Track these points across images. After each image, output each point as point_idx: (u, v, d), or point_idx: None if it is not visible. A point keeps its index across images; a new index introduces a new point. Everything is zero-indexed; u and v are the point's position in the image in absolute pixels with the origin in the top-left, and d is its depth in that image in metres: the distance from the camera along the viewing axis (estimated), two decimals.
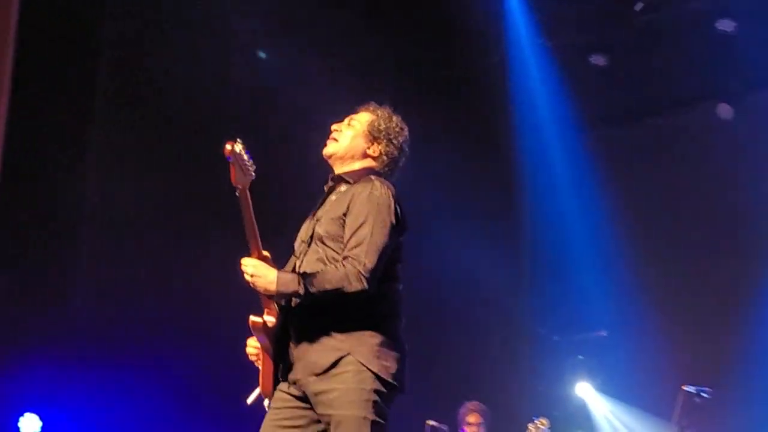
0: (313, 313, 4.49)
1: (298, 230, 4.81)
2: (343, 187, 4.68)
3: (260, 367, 4.66)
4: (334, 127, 4.83)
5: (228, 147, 4.36)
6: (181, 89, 9.40)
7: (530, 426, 8.49)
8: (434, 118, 10.25)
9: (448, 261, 10.23)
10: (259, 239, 4.51)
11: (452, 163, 10.29)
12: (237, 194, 4.45)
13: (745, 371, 9.44)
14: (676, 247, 10.45)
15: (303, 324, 4.53)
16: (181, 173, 9.33)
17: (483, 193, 10.42)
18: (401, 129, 4.81)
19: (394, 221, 4.49)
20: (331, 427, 4.41)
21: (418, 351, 10.15)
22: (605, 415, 10.58)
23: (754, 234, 10.02)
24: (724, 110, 10.11)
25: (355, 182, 4.64)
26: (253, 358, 4.69)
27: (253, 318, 4.50)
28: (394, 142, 4.77)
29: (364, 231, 4.44)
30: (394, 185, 4.64)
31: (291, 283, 4.43)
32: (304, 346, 4.49)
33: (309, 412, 4.50)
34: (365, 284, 4.36)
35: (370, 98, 4.93)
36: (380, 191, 4.53)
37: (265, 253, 4.55)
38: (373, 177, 4.64)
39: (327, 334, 4.45)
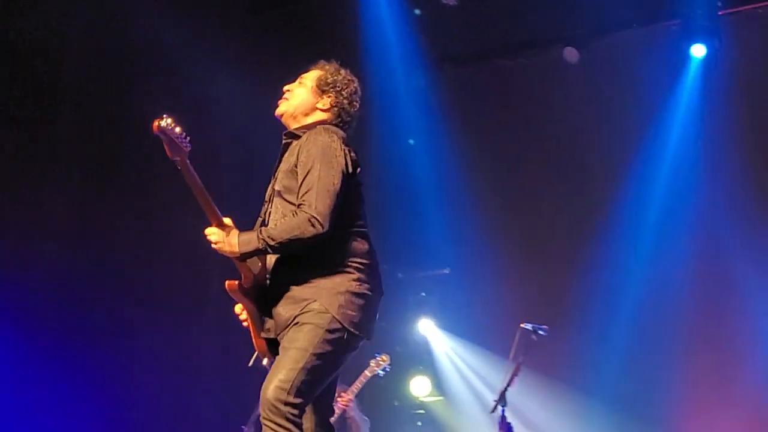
0: (278, 269, 4.69)
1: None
2: (295, 143, 4.80)
3: (250, 329, 4.79)
4: (285, 87, 5.01)
5: (155, 124, 4.44)
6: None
7: (372, 362, 8.58)
8: (282, 54, 10.13)
9: None
10: (214, 207, 4.62)
11: None
12: (178, 168, 4.55)
13: (582, 310, 9.69)
14: (519, 189, 10.60)
15: (272, 280, 4.71)
16: None
17: None
18: (350, 80, 4.99)
19: (343, 164, 4.62)
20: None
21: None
22: (446, 352, 10.74)
23: (595, 177, 10.25)
24: (570, 54, 10.25)
25: (303, 135, 4.78)
26: (241, 319, 4.82)
27: (227, 282, 4.64)
28: (344, 93, 4.93)
29: (313, 176, 4.57)
30: (343, 132, 4.84)
31: (252, 241, 4.56)
32: (276, 302, 4.66)
33: None
34: (319, 227, 4.48)
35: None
36: (324, 137, 4.68)
37: (227, 219, 4.67)
38: (319, 126, 4.78)
39: (291, 287, 4.63)
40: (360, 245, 4.72)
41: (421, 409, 10.84)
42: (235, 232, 4.65)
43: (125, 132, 9.12)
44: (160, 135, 4.47)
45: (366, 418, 8.76)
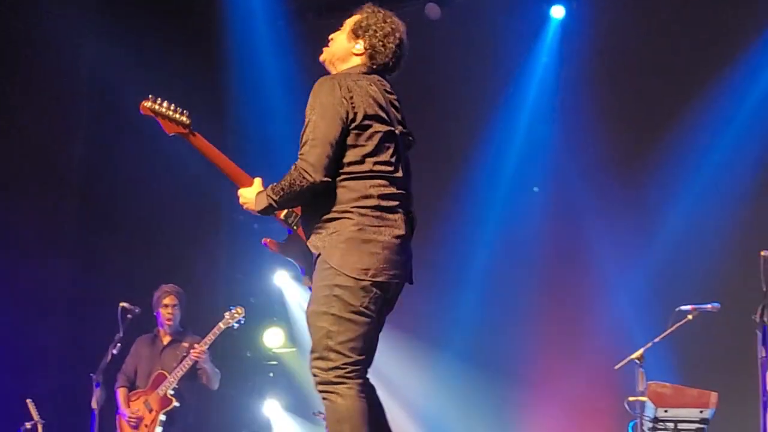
0: (306, 218, 4.71)
1: None
2: None
3: None
4: (330, 36, 4.99)
5: (142, 106, 4.62)
6: None
7: (226, 314, 8.55)
8: (144, 10, 10.05)
9: (151, 146, 10.02)
10: (237, 169, 4.77)
11: (159, 50, 10.05)
12: (186, 140, 4.67)
13: (435, 265, 9.78)
14: None
15: (307, 230, 4.69)
16: None
17: (189, 81, 10.20)
18: (385, 22, 4.87)
19: (341, 113, 4.53)
20: None
21: (119, 234, 10.06)
22: (300, 303, 10.74)
23: (456, 132, 10.33)
24: (432, 10, 10.28)
25: None
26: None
27: (263, 240, 4.83)
28: (377, 35, 4.82)
29: (309, 129, 4.57)
30: (378, 73, 4.80)
31: (263, 198, 4.63)
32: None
33: None
34: (310, 178, 4.46)
35: None
36: (323, 86, 4.62)
37: (257, 179, 4.74)
38: (323, 77, 4.71)
39: (309, 236, 4.62)
40: (368, 189, 4.60)
41: (273, 360, 10.85)
42: (255, 191, 4.71)
43: None
44: (150, 115, 4.58)
45: (217, 371, 8.73)
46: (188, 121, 4.57)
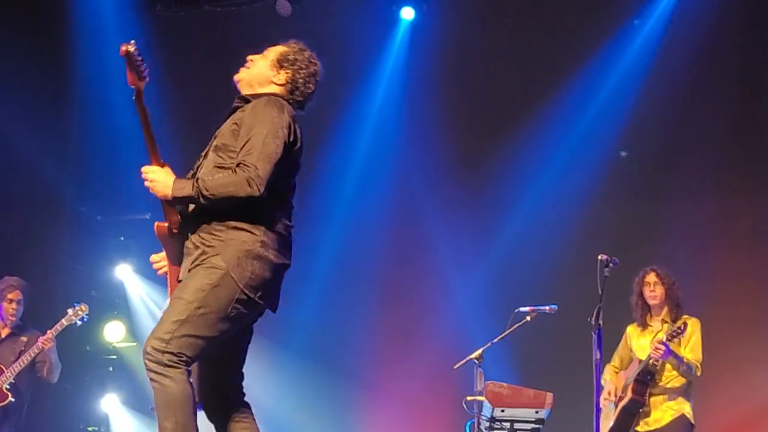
0: (195, 218, 4.67)
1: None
2: (243, 107, 4.83)
3: (167, 276, 4.78)
4: (249, 57, 5.04)
5: (122, 48, 4.53)
6: None
7: (69, 311, 8.42)
8: None
9: None
10: (156, 146, 4.65)
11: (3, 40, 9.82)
12: (133, 98, 4.60)
13: None
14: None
15: (187, 228, 4.70)
16: None
17: (33, 71, 9.98)
18: (311, 63, 4.98)
19: (286, 136, 4.62)
20: None
21: None
22: (141, 297, 10.62)
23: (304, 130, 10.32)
24: (283, 6, 10.27)
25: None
26: (157, 267, 4.90)
27: (158, 223, 4.70)
28: (301, 72, 4.92)
29: (257, 140, 4.56)
30: (294, 108, 4.84)
31: (186, 187, 4.57)
32: (186, 249, 4.68)
33: None
34: (255, 189, 4.48)
35: None
36: (274, 107, 4.69)
37: (165, 164, 4.68)
38: (272, 97, 4.80)
39: (201, 236, 4.62)
40: (278, 214, 4.71)
41: (113, 354, 10.70)
42: (172, 176, 4.63)
43: None
44: (125, 59, 4.53)
45: (60, 363, 8.58)
46: (146, 79, 4.62)
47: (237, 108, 4.90)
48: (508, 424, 7.10)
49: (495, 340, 7.44)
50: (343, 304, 9.99)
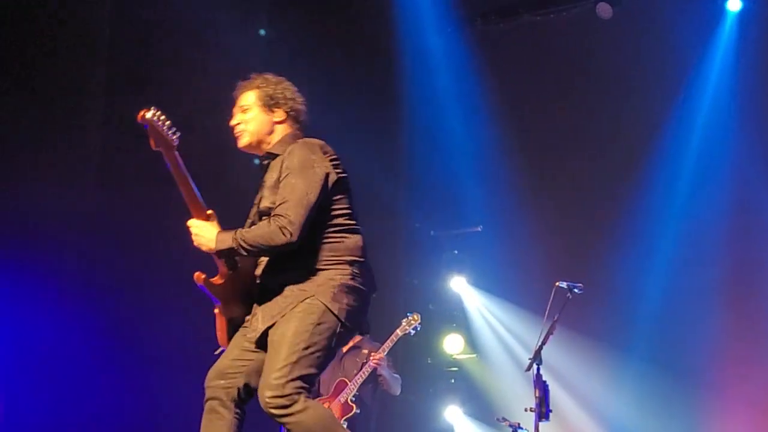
0: (271, 266, 4.93)
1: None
2: (276, 160, 4.97)
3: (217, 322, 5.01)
4: (232, 123, 5.11)
5: (140, 114, 4.59)
6: None
7: (403, 321, 8.61)
8: (316, 24, 10.20)
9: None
10: (199, 199, 4.78)
11: (335, 62, 10.23)
12: (164, 158, 4.70)
13: (616, 267, 9.67)
14: (552, 146, 10.55)
15: (264, 276, 4.95)
16: None
17: (364, 86, 10.36)
18: (282, 82, 5.14)
19: (321, 175, 4.82)
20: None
21: None
22: (479, 309, 10.74)
23: (629, 133, 10.19)
24: (604, 9, 10.16)
25: (281, 152, 4.94)
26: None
27: (196, 274, 4.81)
28: (289, 97, 5.09)
29: (287, 189, 4.77)
30: (319, 139, 4.99)
31: (227, 240, 4.76)
32: (266, 297, 4.88)
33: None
34: (289, 236, 4.69)
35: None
36: (303, 150, 4.86)
37: (209, 211, 4.84)
38: (300, 141, 4.96)
39: (285, 283, 4.83)
40: (351, 241, 4.92)
41: (454, 366, 10.86)
42: (215, 227, 4.84)
43: None
44: (145, 126, 4.62)
45: (397, 376, 8.79)
46: (175, 144, 4.72)
47: (267, 165, 5.04)
48: None
49: None
50: (683, 305, 9.70)
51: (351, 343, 8.82)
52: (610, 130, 10.30)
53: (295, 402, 4.61)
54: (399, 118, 10.90)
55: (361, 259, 4.92)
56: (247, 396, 4.94)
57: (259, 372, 4.78)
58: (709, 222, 9.72)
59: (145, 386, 8.88)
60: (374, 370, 8.50)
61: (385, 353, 8.51)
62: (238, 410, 4.92)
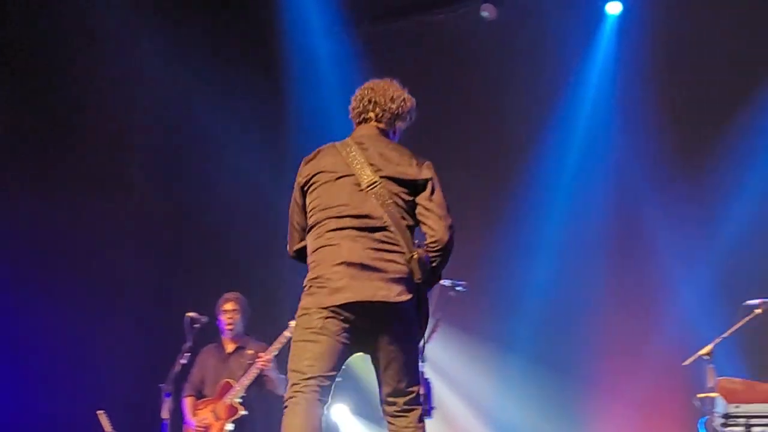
0: None
1: None
2: None
3: None
4: None
5: None
6: None
7: (291, 323, 8.58)
8: (198, 16, 10.15)
9: (215, 153, 10.16)
10: None
11: (217, 56, 10.18)
12: None
13: (500, 266, 9.81)
14: (439, 148, 10.59)
15: None
16: None
17: (248, 85, 10.31)
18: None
19: (295, 185, 5.42)
20: None
21: (183, 243, 10.14)
22: None
23: (514, 134, 10.31)
24: (488, 10, 10.27)
25: None
26: None
27: None
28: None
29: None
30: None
31: None
32: None
33: None
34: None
35: None
36: None
37: None
38: None
39: None
40: (312, 242, 5.23)
41: None
42: None
43: None
44: None
45: (283, 377, 8.74)
46: None
47: None
48: (743, 421, 6.88)
49: (725, 335, 7.21)
50: (565, 303, 9.87)
51: (236, 344, 8.80)
52: (496, 131, 10.41)
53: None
54: (284, 119, 10.86)
55: (317, 249, 5.22)
56: None
57: None
58: (590, 221, 9.90)
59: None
60: (261, 371, 8.47)
61: (273, 355, 8.48)
62: None
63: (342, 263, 5.04)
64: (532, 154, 10.15)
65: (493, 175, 10.26)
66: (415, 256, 5.06)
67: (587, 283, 9.80)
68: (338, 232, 5.10)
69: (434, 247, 5.13)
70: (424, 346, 7.20)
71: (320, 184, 5.23)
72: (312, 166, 5.30)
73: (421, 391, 7.07)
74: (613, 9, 10.05)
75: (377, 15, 10.89)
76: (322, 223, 5.15)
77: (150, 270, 10.19)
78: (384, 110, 5.46)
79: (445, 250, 5.14)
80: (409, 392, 5.17)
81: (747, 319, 7.16)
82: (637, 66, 9.91)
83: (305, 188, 5.29)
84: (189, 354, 8.26)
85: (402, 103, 5.51)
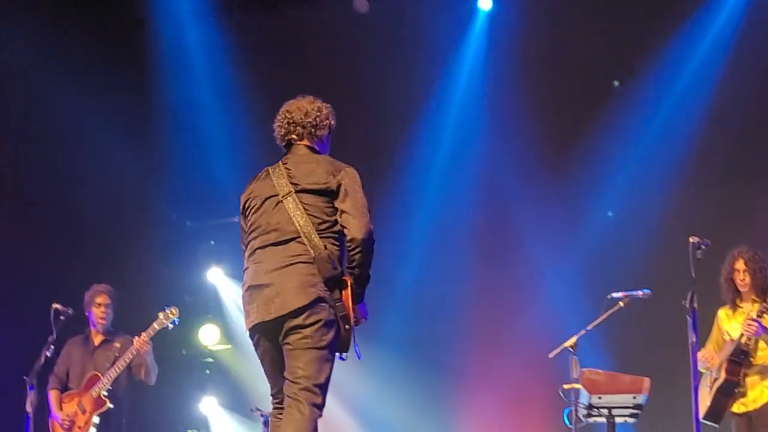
0: None
1: None
2: None
3: None
4: None
5: None
6: None
7: (160, 314, 8.50)
8: (69, 9, 9.96)
9: (82, 145, 9.96)
10: None
11: (85, 47, 10.00)
12: None
13: None
14: None
15: None
16: None
17: (116, 76, 10.14)
18: None
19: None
20: None
21: (49, 234, 9.94)
22: (235, 300, 10.69)
23: (386, 129, 10.36)
24: (360, 4, 10.29)
25: None
26: None
27: None
28: None
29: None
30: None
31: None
32: None
33: None
34: None
35: None
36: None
37: None
38: None
39: None
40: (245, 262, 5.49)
41: (209, 357, 10.83)
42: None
43: None
44: None
45: (156, 365, 8.67)
46: None
47: None
48: (606, 411, 7.02)
49: (589, 327, 7.33)
50: (434, 297, 9.98)
51: (103, 336, 8.67)
52: (367, 126, 10.42)
53: None
54: (154, 109, 10.70)
55: (246, 270, 5.45)
56: None
57: None
58: (460, 216, 10.03)
59: None
60: (132, 359, 8.35)
61: (150, 338, 8.38)
62: None
63: (248, 288, 5.35)
64: (403, 150, 10.22)
65: (364, 170, 10.24)
66: (321, 255, 5.19)
67: (457, 278, 9.92)
68: (260, 250, 5.36)
69: (350, 246, 5.25)
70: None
71: (252, 209, 5.50)
72: (247, 191, 5.57)
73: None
74: (485, 5, 10.16)
75: (250, 5, 10.81)
76: (251, 242, 5.44)
77: (14, 261, 9.95)
78: (303, 127, 5.62)
79: (363, 248, 5.23)
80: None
81: (611, 312, 7.29)
82: (506, 63, 10.05)
83: (244, 213, 5.57)
84: (54, 346, 8.09)
85: (318, 114, 5.66)
